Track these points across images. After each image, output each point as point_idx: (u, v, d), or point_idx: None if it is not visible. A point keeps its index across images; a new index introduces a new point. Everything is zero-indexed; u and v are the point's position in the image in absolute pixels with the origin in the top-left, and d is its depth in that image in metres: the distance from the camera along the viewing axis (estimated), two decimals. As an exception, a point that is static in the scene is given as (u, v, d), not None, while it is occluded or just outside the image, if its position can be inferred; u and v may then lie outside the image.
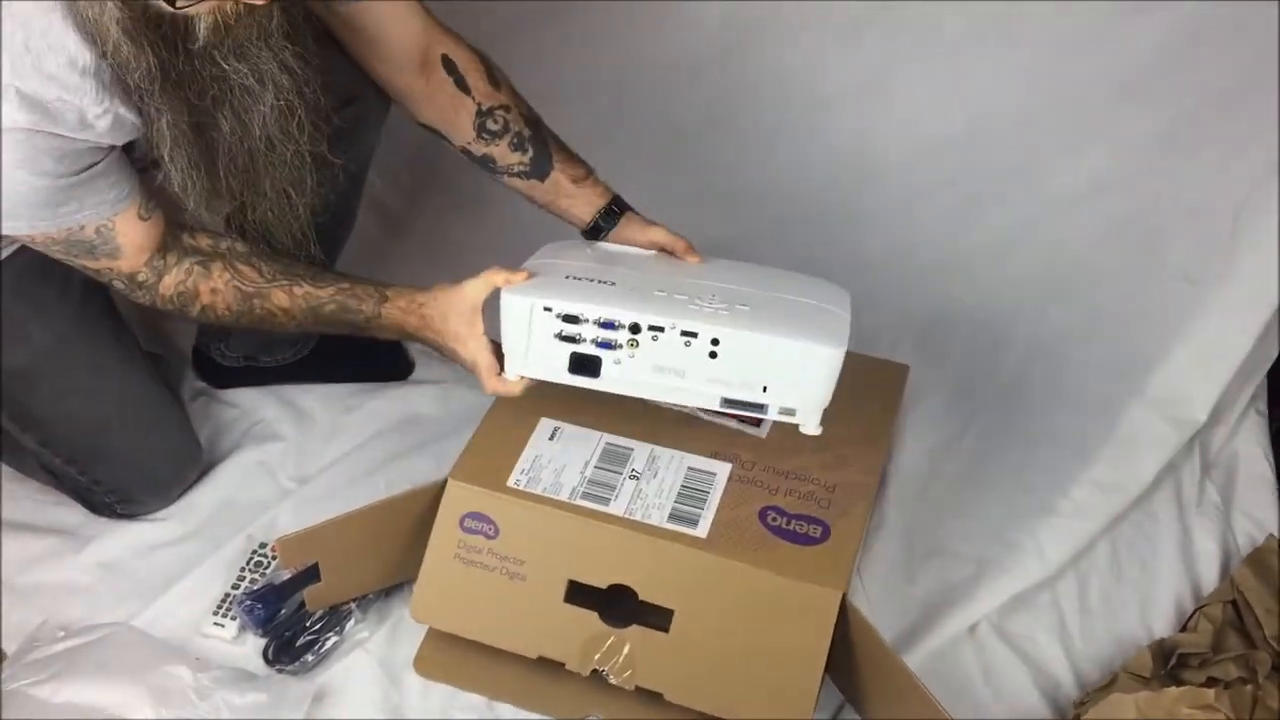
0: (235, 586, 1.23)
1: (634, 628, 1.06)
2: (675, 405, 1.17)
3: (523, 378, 1.08)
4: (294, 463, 1.39)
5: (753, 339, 1.01)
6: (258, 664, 1.17)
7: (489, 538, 1.10)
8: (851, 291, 1.10)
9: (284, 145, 1.04)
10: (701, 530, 1.07)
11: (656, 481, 1.12)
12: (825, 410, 1.05)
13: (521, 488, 1.11)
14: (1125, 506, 1.34)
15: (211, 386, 1.49)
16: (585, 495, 1.10)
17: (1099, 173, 1.58)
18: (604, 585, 1.07)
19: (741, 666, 1.04)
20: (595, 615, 1.07)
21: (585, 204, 1.19)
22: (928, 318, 1.58)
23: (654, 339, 1.02)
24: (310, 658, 1.16)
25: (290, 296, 1.11)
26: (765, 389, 1.03)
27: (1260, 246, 1.44)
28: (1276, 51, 1.42)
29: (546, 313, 1.03)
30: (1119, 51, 1.53)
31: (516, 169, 1.19)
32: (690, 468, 1.13)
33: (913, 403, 1.42)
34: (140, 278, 1.09)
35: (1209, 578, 1.28)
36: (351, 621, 1.19)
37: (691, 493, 1.11)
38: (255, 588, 1.21)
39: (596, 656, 1.06)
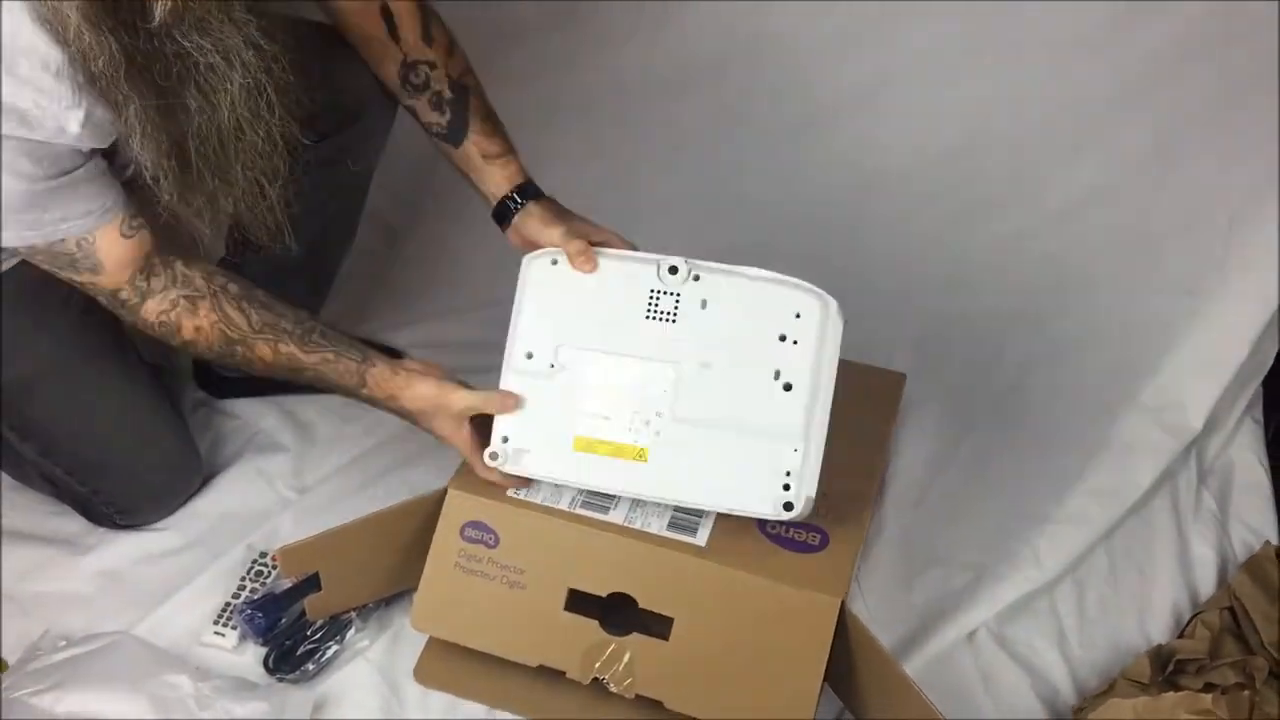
0: (236, 596, 1.23)
1: (634, 636, 1.06)
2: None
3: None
4: (294, 472, 1.39)
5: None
6: (258, 673, 1.16)
7: (489, 547, 1.10)
8: (849, 300, 1.10)
9: (253, 128, 1.02)
10: (701, 539, 1.07)
11: (656, 490, 1.12)
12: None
13: (522, 497, 1.11)
14: (1122, 514, 1.34)
15: (212, 396, 1.49)
16: (585, 504, 1.10)
17: (1096, 182, 1.59)
18: (604, 594, 1.07)
19: (741, 674, 1.04)
20: (595, 624, 1.07)
21: (492, 184, 1.17)
22: (925, 326, 1.59)
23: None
24: (311, 666, 1.16)
25: (274, 352, 1.11)
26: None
27: (1256, 256, 1.45)
28: (1272, 63, 1.44)
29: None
30: (1116, 62, 1.55)
31: (435, 129, 1.18)
32: (690, 476, 1.14)
33: (910, 411, 1.42)
34: (123, 295, 1.08)
35: (1206, 584, 1.29)
36: (352, 630, 1.19)
37: (690, 501, 1.11)
38: (256, 597, 1.21)
39: (597, 665, 1.06)
